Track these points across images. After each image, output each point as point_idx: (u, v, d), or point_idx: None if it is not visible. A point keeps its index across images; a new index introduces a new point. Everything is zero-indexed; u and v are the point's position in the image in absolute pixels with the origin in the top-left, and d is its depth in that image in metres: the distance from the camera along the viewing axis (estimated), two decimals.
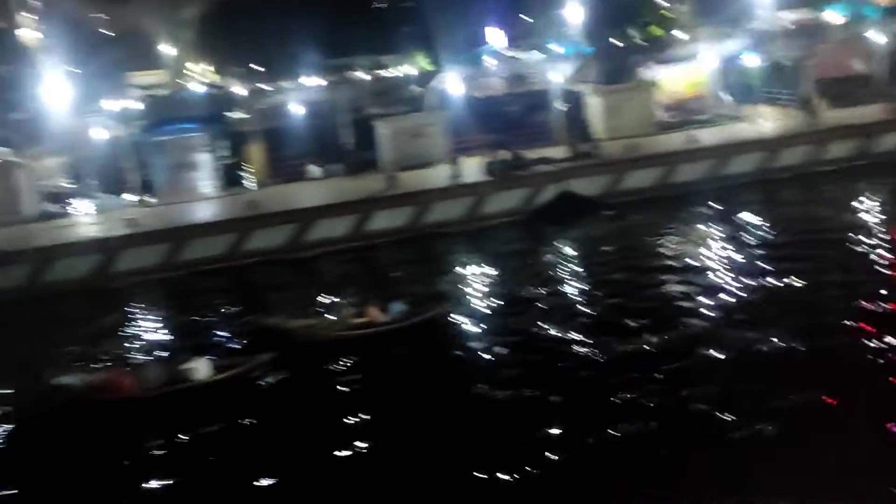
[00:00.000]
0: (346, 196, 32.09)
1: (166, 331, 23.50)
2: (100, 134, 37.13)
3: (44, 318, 25.24)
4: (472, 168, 33.83)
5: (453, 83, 39.75)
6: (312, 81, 43.27)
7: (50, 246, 28.71)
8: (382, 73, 48.39)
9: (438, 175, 33.47)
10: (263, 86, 43.84)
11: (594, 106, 40.31)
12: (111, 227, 30.22)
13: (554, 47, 44.01)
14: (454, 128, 38.29)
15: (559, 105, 40.31)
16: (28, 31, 44.03)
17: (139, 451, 16.04)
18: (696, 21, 45.60)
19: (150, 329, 23.82)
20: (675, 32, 44.86)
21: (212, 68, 62.71)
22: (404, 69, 48.02)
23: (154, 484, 14.85)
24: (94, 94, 41.53)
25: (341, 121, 38.24)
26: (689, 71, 43.79)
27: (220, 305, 25.21)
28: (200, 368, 18.28)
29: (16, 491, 14.79)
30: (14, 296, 26.80)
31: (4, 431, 17.44)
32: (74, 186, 37.82)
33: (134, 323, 24.47)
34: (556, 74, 40.18)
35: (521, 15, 55.31)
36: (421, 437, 15.30)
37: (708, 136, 37.05)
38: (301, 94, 40.66)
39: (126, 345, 22.47)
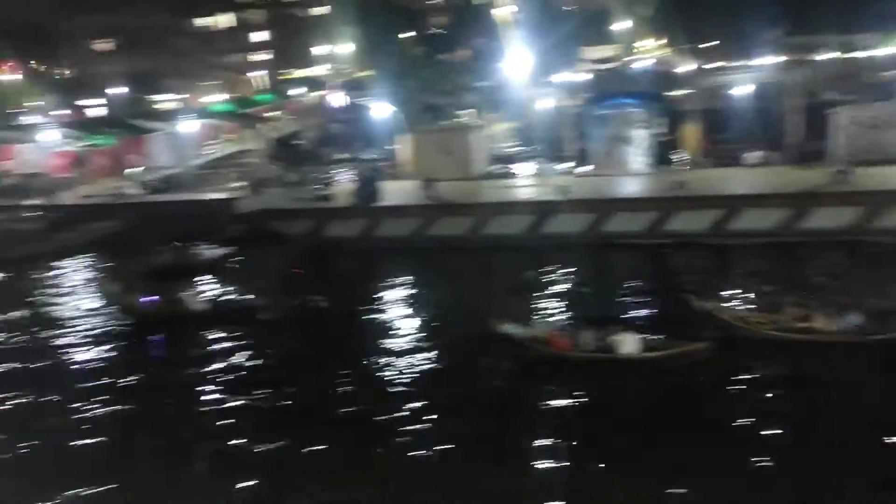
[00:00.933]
0: (783, 187, 29.71)
1: (589, 297, 24.43)
2: (547, 104, 39.95)
3: (479, 267, 28.47)
4: None
5: None
6: (764, 61, 40.58)
7: (492, 203, 31.96)
8: (851, 54, 43.20)
9: None
10: (709, 64, 42.55)
11: None
12: (545, 191, 32.39)
13: None
14: None
15: None
16: (502, 9, 48.99)
17: (558, 404, 17.37)
18: None
19: (573, 292, 24.93)
20: None
21: (661, 44, 62.55)
22: (880, 50, 42.16)
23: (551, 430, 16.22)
24: (548, 67, 44.78)
25: (790, 105, 35.22)
26: None
27: (638, 281, 25.47)
28: (628, 343, 18.89)
29: (458, 423, 16.82)
30: (457, 243, 30.58)
31: (449, 365, 20.02)
32: (520, 150, 41.53)
33: (558, 283, 25.84)
34: None
35: None
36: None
37: None
38: (748, 74, 38.43)
39: (553, 303, 23.91)
